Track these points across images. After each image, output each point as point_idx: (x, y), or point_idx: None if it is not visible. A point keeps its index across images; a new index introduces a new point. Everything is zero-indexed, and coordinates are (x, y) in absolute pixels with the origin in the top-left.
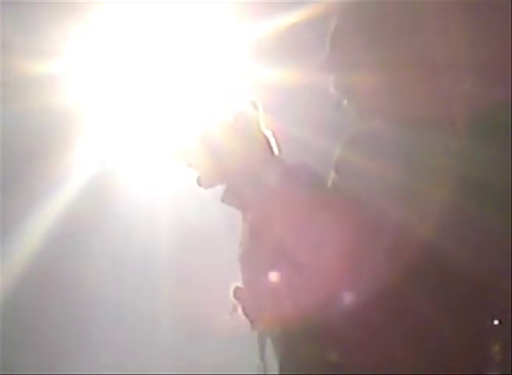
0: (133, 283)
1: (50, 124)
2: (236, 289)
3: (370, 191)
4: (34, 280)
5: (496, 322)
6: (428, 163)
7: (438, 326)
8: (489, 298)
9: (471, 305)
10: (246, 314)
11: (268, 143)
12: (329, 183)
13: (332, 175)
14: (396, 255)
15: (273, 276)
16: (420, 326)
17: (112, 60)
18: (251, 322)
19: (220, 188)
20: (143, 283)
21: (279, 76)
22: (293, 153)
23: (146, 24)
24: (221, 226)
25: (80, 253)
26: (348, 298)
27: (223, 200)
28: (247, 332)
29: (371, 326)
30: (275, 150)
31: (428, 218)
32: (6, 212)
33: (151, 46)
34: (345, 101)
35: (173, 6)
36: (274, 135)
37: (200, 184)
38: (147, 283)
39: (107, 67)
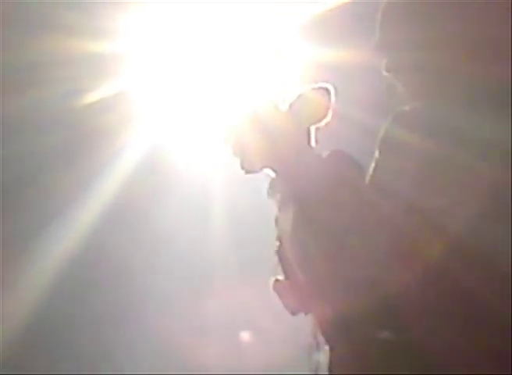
0: (182, 268)
1: (105, 104)
2: (276, 282)
3: (412, 171)
4: (87, 257)
5: None
6: (472, 141)
7: (486, 304)
8: None
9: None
10: (286, 306)
11: (308, 135)
12: (372, 164)
13: (376, 154)
14: (438, 236)
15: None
16: (470, 303)
17: (164, 44)
18: (292, 314)
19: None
20: (192, 270)
21: (330, 55)
22: (343, 132)
23: (196, 10)
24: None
25: (132, 235)
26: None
27: (270, 189)
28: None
29: (422, 303)
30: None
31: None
32: (62, 191)
33: (199, 30)
34: (397, 84)
35: None
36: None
37: (243, 167)
38: (196, 269)
39: (160, 50)
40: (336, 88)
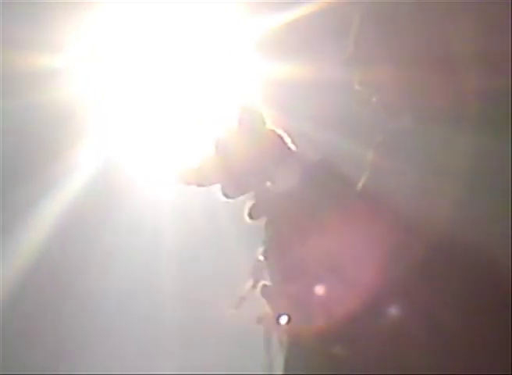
0: (137, 279)
1: (54, 119)
2: (264, 287)
3: (400, 192)
4: (39, 273)
5: None
6: (446, 161)
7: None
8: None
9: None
10: (274, 311)
11: (281, 140)
12: (360, 185)
13: (365, 177)
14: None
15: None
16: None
17: (116, 57)
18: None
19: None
20: (147, 280)
21: (285, 71)
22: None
23: (149, 22)
24: (227, 223)
25: (85, 248)
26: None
27: (251, 216)
28: (252, 329)
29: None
30: (291, 146)
31: (441, 215)
32: (12, 206)
33: (154, 43)
34: (371, 98)
35: (178, 4)
36: (285, 131)
37: (224, 195)
38: (151, 279)
39: (111, 63)
40: (291, 104)
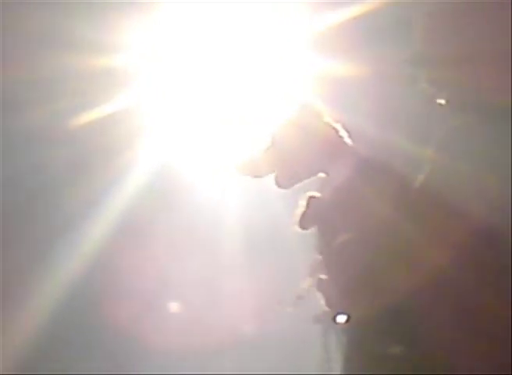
0: (196, 277)
1: (115, 118)
2: (320, 281)
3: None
4: (98, 270)
5: None
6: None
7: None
8: None
9: None
10: (329, 305)
11: (336, 134)
12: (419, 181)
13: (425, 173)
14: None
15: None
16: (482, 317)
17: (176, 57)
18: (332, 313)
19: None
20: (206, 277)
21: (344, 69)
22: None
23: (207, 21)
24: (286, 225)
25: (143, 248)
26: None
27: (301, 224)
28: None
29: (434, 319)
30: (347, 140)
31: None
32: (71, 206)
33: (212, 43)
34: (437, 96)
35: (235, 4)
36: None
37: (278, 185)
38: (210, 276)
39: (171, 63)
40: (346, 101)
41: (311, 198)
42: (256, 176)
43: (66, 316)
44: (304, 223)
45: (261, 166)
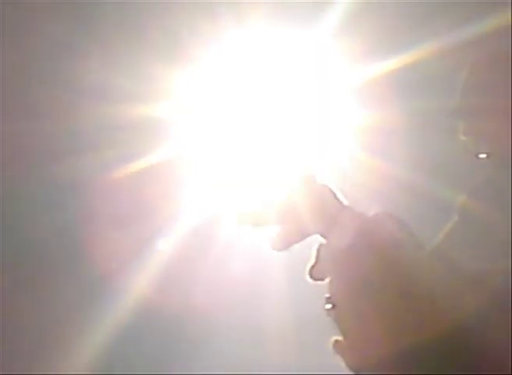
0: (237, 331)
1: (157, 169)
2: (335, 342)
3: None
4: (141, 323)
5: None
6: None
7: None
8: None
9: None
10: (350, 367)
11: (333, 196)
12: (450, 225)
13: (455, 218)
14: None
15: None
16: None
17: (216, 108)
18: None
19: None
20: (249, 326)
21: (383, 118)
22: (396, 194)
23: (248, 73)
24: None
25: (186, 301)
26: None
27: (311, 276)
28: None
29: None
30: (344, 202)
31: None
32: (117, 256)
33: (253, 95)
34: (476, 148)
35: (275, 56)
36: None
37: (274, 247)
38: (251, 333)
39: (211, 115)
40: (384, 149)
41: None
42: (256, 226)
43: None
44: (314, 274)
45: (262, 217)
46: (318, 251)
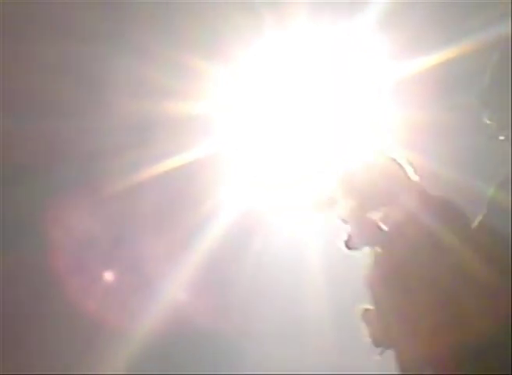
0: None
1: (195, 166)
2: (365, 311)
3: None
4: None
5: None
6: None
7: None
8: None
9: None
10: (373, 338)
11: (403, 172)
12: (477, 221)
13: (483, 212)
14: None
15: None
16: None
17: (255, 105)
18: (377, 345)
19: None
20: (287, 322)
21: (422, 116)
22: (436, 190)
23: (286, 69)
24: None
25: (227, 297)
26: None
27: (348, 246)
28: None
29: None
30: (414, 177)
31: None
32: (157, 252)
33: (291, 91)
34: (499, 133)
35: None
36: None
37: (349, 246)
38: (291, 320)
39: (249, 111)
40: (428, 148)
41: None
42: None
43: None
44: (351, 244)
45: (336, 200)
46: (355, 224)
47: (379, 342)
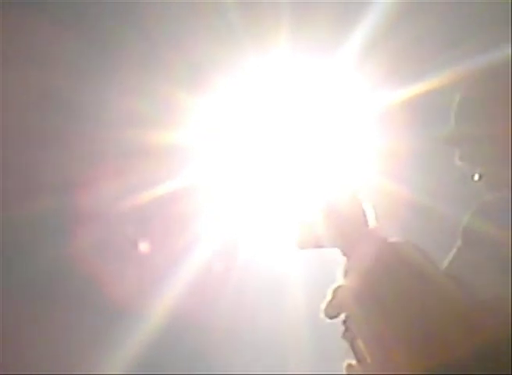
0: (260, 358)
1: (177, 194)
2: (348, 366)
3: (491, 270)
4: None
5: None
6: None
7: None
8: None
9: None
10: None
11: (363, 216)
12: (454, 251)
13: (458, 243)
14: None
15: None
16: None
17: (236, 134)
18: None
19: None
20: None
21: (404, 145)
22: (417, 220)
23: (268, 97)
24: None
25: (205, 328)
26: None
27: (327, 314)
28: None
29: None
30: (372, 223)
31: None
32: (135, 282)
33: (273, 119)
34: (473, 173)
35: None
36: (374, 208)
37: (297, 245)
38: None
39: (231, 141)
40: (408, 177)
41: (338, 287)
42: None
43: None
44: (328, 311)
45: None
46: (334, 290)
47: None
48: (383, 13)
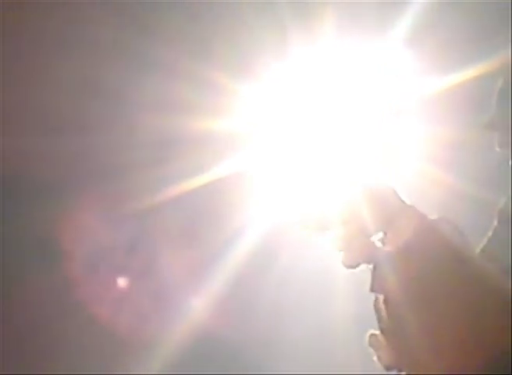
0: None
1: (224, 183)
2: (371, 336)
3: None
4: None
5: None
6: None
7: None
8: None
9: None
10: (380, 360)
11: (396, 195)
12: (490, 231)
13: (494, 223)
14: None
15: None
16: None
17: (281, 122)
18: (386, 369)
19: None
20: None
21: (445, 132)
22: (458, 206)
23: (316, 86)
24: None
25: (253, 314)
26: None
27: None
28: None
29: None
30: (406, 201)
31: None
32: (183, 269)
33: (321, 107)
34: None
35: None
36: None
37: (344, 263)
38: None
39: (281, 128)
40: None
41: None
42: (319, 230)
43: None
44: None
45: (325, 220)
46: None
47: (390, 366)
48: (430, 2)
